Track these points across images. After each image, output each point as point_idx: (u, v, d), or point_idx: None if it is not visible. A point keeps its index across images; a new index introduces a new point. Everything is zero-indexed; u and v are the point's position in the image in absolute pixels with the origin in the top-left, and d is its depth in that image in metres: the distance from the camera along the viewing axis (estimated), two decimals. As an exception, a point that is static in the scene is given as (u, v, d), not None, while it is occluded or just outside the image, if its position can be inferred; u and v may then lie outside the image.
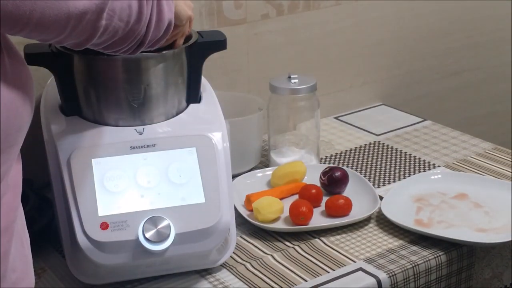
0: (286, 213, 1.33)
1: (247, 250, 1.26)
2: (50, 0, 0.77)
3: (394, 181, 1.50)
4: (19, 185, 0.87)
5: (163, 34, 0.96)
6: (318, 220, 1.33)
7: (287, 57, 1.72)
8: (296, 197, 1.39)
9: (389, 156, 1.61)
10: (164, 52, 1.17)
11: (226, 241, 1.19)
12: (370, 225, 1.33)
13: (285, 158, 1.53)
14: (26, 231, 0.93)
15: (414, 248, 1.26)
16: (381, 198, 1.37)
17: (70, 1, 0.78)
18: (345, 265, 1.22)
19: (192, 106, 1.24)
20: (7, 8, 0.75)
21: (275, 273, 1.20)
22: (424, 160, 1.58)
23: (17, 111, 0.80)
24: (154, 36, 0.94)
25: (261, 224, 1.30)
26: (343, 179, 1.41)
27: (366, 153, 1.62)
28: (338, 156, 1.62)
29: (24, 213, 0.91)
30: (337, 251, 1.26)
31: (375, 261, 1.22)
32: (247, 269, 1.21)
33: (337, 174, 1.40)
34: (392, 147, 1.65)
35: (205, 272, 1.20)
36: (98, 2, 0.81)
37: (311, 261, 1.23)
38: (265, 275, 1.19)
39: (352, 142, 1.68)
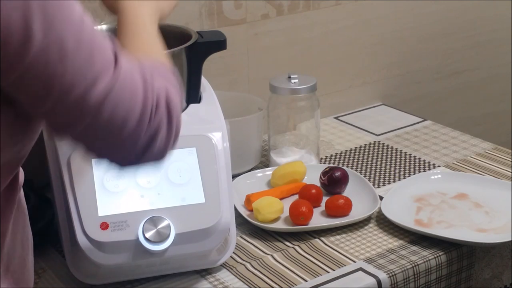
0: (286, 213, 1.33)
1: (247, 250, 1.26)
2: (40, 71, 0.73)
3: (394, 181, 1.50)
4: (17, 183, 0.87)
5: (161, 158, 0.87)
6: (318, 220, 1.33)
7: (287, 57, 1.72)
8: (296, 197, 1.39)
9: (389, 156, 1.61)
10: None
11: (226, 241, 1.19)
12: (370, 225, 1.33)
13: (285, 158, 1.53)
14: (29, 231, 0.93)
15: (414, 248, 1.26)
16: (381, 198, 1.37)
17: (58, 76, 0.74)
18: (345, 265, 1.22)
19: (192, 106, 1.24)
20: None
21: (275, 273, 1.20)
22: (424, 160, 1.58)
23: None
24: (151, 158, 0.85)
25: (261, 224, 1.30)
26: (343, 179, 1.40)
27: (366, 153, 1.62)
28: (338, 156, 1.62)
29: None
30: (337, 251, 1.26)
31: (375, 261, 1.22)
32: (247, 269, 1.21)
33: (337, 174, 1.40)
34: (392, 147, 1.65)
35: (205, 272, 1.20)
36: (86, 96, 0.76)
37: (311, 261, 1.23)
38: (265, 275, 1.19)
39: (352, 142, 1.68)
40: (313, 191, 1.37)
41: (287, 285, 1.17)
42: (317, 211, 1.34)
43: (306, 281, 1.18)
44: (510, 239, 1.24)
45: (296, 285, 1.17)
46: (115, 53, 0.78)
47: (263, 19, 1.66)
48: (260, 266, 1.22)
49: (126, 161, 0.84)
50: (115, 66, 0.78)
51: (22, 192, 0.92)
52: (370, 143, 1.67)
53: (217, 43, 1.25)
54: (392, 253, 1.24)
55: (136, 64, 0.81)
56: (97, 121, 0.78)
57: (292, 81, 1.49)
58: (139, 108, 0.79)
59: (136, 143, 0.81)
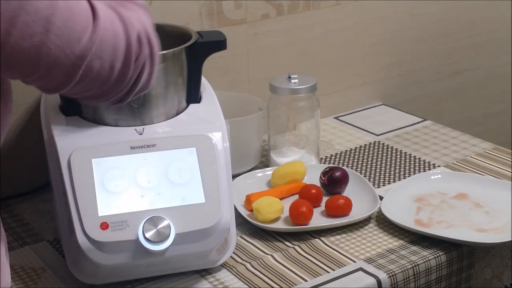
0: (286, 213, 1.33)
1: (247, 250, 1.26)
2: (19, 39, 0.75)
3: (394, 181, 1.50)
4: None
5: (146, 92, 0.94)
6: (318, 220, 1.33)
7: (287, 57, 1.72)
8: (296, 197, 1.39)
9: (389, 156, 1.61)
10: (164, 52, 1.17)
11: (226, 241, 1.19)
12: (370, 225, 1.33)
13: (285, 158, 1.53)
14: (2, 238, 0.92)
15: (414, 248, 1.26)
16: (381, 198, 1.37)
17: (43, 51, 0.76)
18: (345, 265, 1.22)
19: (192, 106, 1.24)
20: None
21: (275, 273, 1.20)
22: (424, 160, 1.58)
23: None
24: (138, 92, 0.91)
25: (261, 224, 1.30)
26: (343, 179, 1.40)
27: (366, 153, 1.62)
28: (338, 156, 1.62)
29: None
30: (337, 251, 1.26)
31: (375, 261, 1.22)
32: (247, 269, 1.21)
33: (337, 174, 1.40)
34: (392, 147, 1.65)
35: (205, 272, 1.20)
36: (73, 56, 0.79)
37: (311, 261, 1.23)
38: (265, 275, 1.19)
39: (352, 142, 1.68)
40: (313, 191, 1.37)
41: (287, 285, 1.17)
42: (317, 211, 1.34)
43: (306, 281, 1.18)
44: (510, 239, 1.24)
45: (296, 285, 1.17)
46: (91, 6, 0.80)
47: (263, 19, 1.66)
48: (260, 266, 1.22)
49: (117, 100, 0.90)
50: (94, 21, 0.80)
51: None
52: (370, 143, 1.67)
53: (217, 43, 1.25)
54: (392, 253, 1.24)
55: (112, 8, 0.84)
56: (87, 77, 0.81)
57: (292, 81, 1.49)
58: (122, 52, 0.83)
59: (124, 84, 0.86)
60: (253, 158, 1.52)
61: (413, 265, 1.21)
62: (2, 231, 0.94)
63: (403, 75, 1.95)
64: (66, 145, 1.14)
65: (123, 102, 0.91)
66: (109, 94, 0.86)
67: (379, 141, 1.68)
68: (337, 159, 1.60)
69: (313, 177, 1.44)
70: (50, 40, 0.76)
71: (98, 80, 0.83)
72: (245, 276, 1.19)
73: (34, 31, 0.75)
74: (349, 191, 1.40)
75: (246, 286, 1.17)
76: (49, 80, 0.80)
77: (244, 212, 1.34)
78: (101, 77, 0.83)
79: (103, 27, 0.80)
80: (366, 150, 1.64)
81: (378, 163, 1.58)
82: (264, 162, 1.57)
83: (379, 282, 1.18)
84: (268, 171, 1.47)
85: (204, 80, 1.29)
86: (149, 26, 0.89)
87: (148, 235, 1.08)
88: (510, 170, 1.53)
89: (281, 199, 1.37)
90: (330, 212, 1.34)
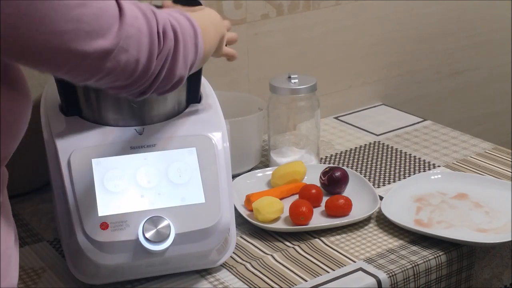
0: (286, 213, 1.33)
1: (247, 250, 1.26)
2: (50, 37, 0.77)
3: (394, 181, 1.50)
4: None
5: (171, 87, 0.96)
6: (318, 220, 1.33)
7: (287, 57, 1.72)
8: (296, 197, 1.39)
9: (389, 156, 1.61)
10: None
11: (226, 241, 1.19)
12: (370, 225, 1.33)
13: (285, 158, 1.53)
14: (12, 227, 0.93)
15: (414, 248, 1.26)
16: (381, 198, 1.37)
17: (72, 43, 0.79)
18: (345, 265, 1.22)
19: (192, 106, 1.24)
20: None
21: (275, 273, 1.20)
22: (424, 160, 1.58)
23: None
24: (160, 88, 0.94)
25: (261, 224, 1.30)
26: (343, 179, 1.40)
27: (366, 153, 1.62)
28: (338, 156, 1.62)
29: None
30: (337, 251, 1.26)
31: (375, 261, 1.22)
32: (247, 269, 1.21)
33: (337, 174, 1.40)
34: (392, 147, 1.65)
35: (205, 272, 1.20)
36: (101, 50, 0.81)
37: (311, 261, 1.23)
38: (265, 275, 1.19)
39: (352, 142, 1.68)
40: (313, 191, 1.37)
41: (287, 285, 1.17)
42: (317, 211, 1.34)
43: (306, 281, 1.18)
44: (510, 239, 1.24)
45: (296, 285, 1.17)
46: (118, 3, 0.83)
47: (263, 19, 1.66)
48: (260, 266, 1.22)
49: (140, 92, 0.93)
50: (120, 18, 0.83)
51: (5, 192, 0.92)
52: (370, 143, 1.67)
53: (217, 43, 1.25)
54: (392, 253, 1.24)
55: (136, 5, 0.87)
56: (115, 70, 0.85)
57: (292, 81, 1.49)
58: (146, 47, 0.87)
59: (148, 76, 0.90)
60: (253, 158, 1.52)
61: (413, 265, 1.21)
62: (11, 222, 0.94)
63: (403, 75, 1.95)
64: (66, 145, 1.14)
65: (146, 95, 0.94)
66: (133, 85, 0.90)
67: (379, 141, 1.68)
68: (337, 159, 1.60)
69: (313, 177, 1.44)
70: (79, 37, 0.79)
71: (125, 73, 0.86)
72: (245, 276, 1.19)
73: (64, 29, 0.77)
74: (349, 191, 1.40)
75: (246, 286, 1.17)
76: (76, 73, 0.83)
77: (244, 212, 1.34)
78: (128, 70, 0.86)
79: (129, 24, 0.84)
80: (366, 150, 1.64)
81: (378, 163, 1.58)
82: (264, 162, 1.57)
83: (379, 282, 1.18)
84: (268, 171, 1.47)
85: (204, 80, 1.29)
86: (178, 22, 0.93)
87: (148, 235, 1.08)
88: (510, 170, 1.53)
89: (281, 199, 1.37)
90: (330, 212, 1.34)
